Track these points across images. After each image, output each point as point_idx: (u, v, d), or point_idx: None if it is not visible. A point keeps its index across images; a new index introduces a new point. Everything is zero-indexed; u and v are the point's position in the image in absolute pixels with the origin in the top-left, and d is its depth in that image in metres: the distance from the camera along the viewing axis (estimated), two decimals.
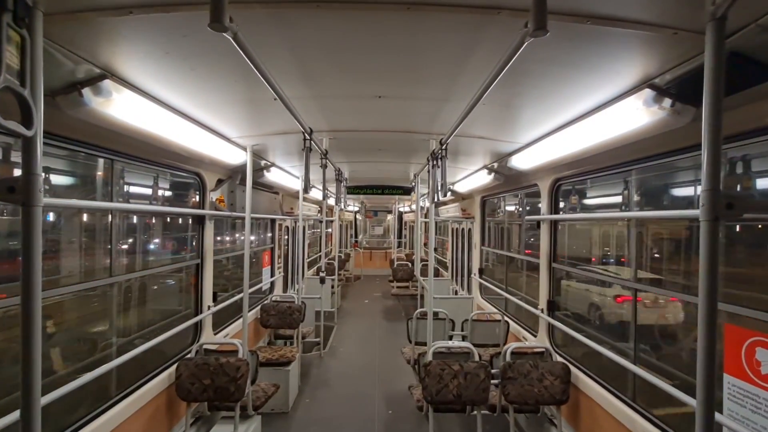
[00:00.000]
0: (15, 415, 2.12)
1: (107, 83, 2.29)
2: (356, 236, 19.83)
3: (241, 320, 4.64)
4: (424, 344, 4.93)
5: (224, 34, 1.47)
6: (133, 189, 4.28)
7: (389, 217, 19.66)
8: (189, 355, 4.08)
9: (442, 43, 2.06)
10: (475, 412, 3.83)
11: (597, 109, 2.77)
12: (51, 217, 3.52)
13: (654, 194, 4.06)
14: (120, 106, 2.49)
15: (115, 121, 2.58)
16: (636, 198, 4.07)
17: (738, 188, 2.87)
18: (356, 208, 17.98)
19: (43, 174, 1.36)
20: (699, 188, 3.31)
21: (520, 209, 6.83)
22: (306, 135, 3.41)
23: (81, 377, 2.75)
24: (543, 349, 4.26)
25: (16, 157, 2.76)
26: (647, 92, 2.28)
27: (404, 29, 1.92)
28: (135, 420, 3.37)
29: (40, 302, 1.34)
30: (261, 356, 5.31)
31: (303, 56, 2.23)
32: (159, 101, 2.78)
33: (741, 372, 2.35)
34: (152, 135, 3.05)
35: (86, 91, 2.24)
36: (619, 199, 4.48)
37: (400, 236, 18.73)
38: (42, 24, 1.29)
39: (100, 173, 3.61)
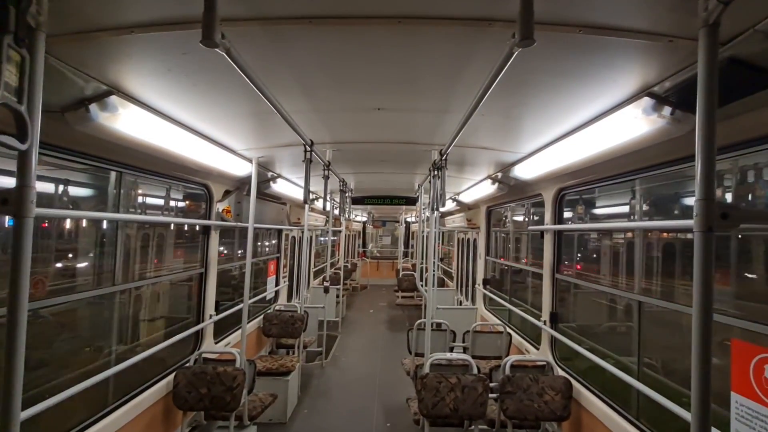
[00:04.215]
0: None
1: (113, 99, 2.36)
2: (364, 246, 19.81)
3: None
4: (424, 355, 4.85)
5: (217, 50, 1.50)
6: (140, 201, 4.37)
7: (399, 227, 19.67)
8: (188, 364, 4.07)
9: (437, 56, 2.06)
10: (472, 427, 3.73)
11: (597, 119, 2.73)
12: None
13: (659, 203, 3.96)
14: (126, 121, 2.56)
15: (121, 135, 2.65)
16: (639, 208, 3.98)
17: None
18: (364, 218, 18.01)
19: (36, 186, 1.37)
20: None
21: (527, 219, 6.75)
22: (306, 147, 3.43)
23: (82, 383, 2.79)
24: (544, 363, 4.15)
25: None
26: (646, 100, 2.23)
27: (398, 42, 1.92)
28: (131, 428, 3.35)
29: (26, 313, 1.34)
30: (261, 366, 5.28)
31: (301, 71, 2.26)
32: (164, 115, 2.84)
33: (749, 391, 2.24)
34: (159, 148, 3.12)
35: (93, 107, 2.31)
36: (623, 209, 4.39)
37: (407, 246, 18.67)
38: (43, 44, 1.34)
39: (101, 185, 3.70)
